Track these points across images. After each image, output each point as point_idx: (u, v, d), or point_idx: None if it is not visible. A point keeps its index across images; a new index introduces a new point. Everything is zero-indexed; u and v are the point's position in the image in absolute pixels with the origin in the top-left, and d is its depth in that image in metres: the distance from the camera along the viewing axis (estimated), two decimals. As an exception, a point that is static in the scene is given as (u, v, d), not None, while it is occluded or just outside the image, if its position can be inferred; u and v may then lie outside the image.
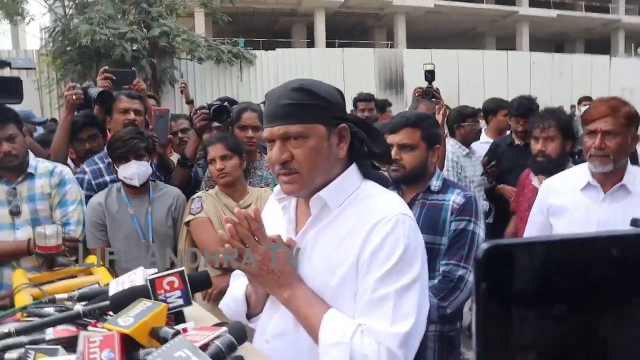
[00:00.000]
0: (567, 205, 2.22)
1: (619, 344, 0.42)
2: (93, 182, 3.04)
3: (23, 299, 1.83)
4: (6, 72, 3.01)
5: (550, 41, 27.21)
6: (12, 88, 2.77)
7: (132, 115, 3.18)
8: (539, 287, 0.41)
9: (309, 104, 1.32)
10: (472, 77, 17.93)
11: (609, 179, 2.11)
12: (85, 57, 11.93)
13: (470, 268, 2.09)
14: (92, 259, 2.56)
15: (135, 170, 2.73)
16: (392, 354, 1.24)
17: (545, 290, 0.41)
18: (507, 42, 24.24)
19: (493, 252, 0.41)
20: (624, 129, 2.02)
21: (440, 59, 17.17)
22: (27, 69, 3.47)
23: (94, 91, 3.30)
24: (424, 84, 5.06)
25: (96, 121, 3.43)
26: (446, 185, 2.28)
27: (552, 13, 24.68)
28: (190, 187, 3.18)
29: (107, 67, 3.70)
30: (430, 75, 5.06)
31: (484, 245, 0.41)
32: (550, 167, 2.78)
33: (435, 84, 5.10)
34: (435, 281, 2.14)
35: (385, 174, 2.26)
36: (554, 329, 0.41)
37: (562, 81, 18.85)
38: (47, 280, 2.16)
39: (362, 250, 1.32)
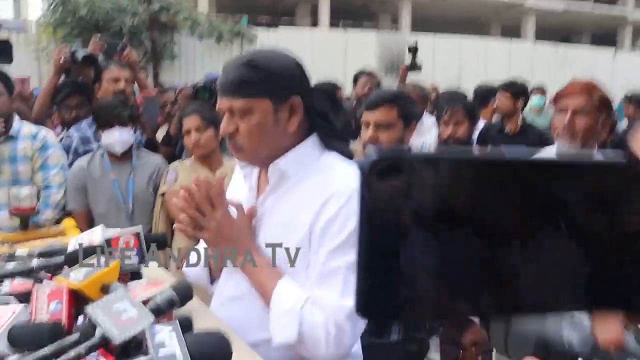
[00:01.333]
0: None
1: (523, 273, 0.38)
2: (80, 149, 3.06)
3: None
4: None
5: (557, 33, 27.00)
6: (2, 49, 2.80)
7: (122, 84, 3.21)
8: (435, 208, 0.36)
9: (255, 80, 1.31)
10: (474, 64, 17.82)
11: None
12: (85, 29, 11.81)
13: None
14: (69, 222, 2.58)
15: (117, 138, 2.75)
16: (340, 326, 1.25)
17: (444, 212, 0.36)
18: (512, 32, 24.04)
19: (379, 165, 0.36)
20: (595, 111, 1.99)
21: (443, 46, 17.07)
22: (17, 30, 3.50)
23: (80, 54, 3.32)
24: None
25: (84, 89, 3.44)
26: None
27: (559, 6, 24.45)
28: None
29: (99, 34, 3.72)
30: (412, 51, 5.04)
31: (370, 157, 0.36)
32: None
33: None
34: None
35: (360, 148, 2.27)
36: (450, 258, 0.37)
37: (565, 73, 18.74)
38: (21, 239, 2.18)
39: (316, 220, 1.31)
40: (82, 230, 2.43)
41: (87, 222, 2.78)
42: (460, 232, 0.36)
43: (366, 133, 2.21)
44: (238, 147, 1.36)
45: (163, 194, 2.73)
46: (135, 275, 1.40)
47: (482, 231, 0.37)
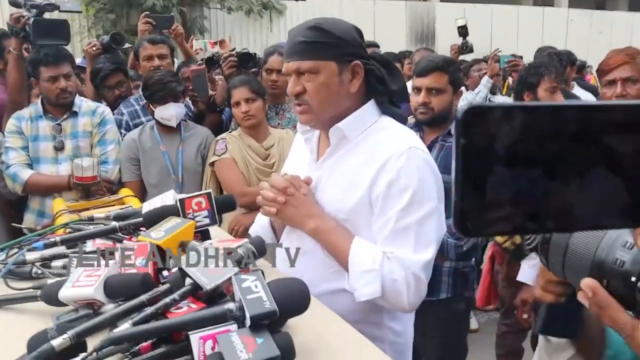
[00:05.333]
0: None
1: (579, 202, 0.47)
2: (131, 123, 3.19)
3: (63, 222, 1.98)
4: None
5: (592, -1, 26.19)
6: (60, 30, 2.94)
7: (156, 62, 3.32)
8: (512, 149, 0.45)
9: (322, 42, 1.41)
10: (506, 33, 17.48)
11: None
12: (117, 5, 11.98)
13: None
14: (125, 191, 2.71)
15: (173, 112, 2.86)
16: (418, 278, 1.38)
17: (518, 152, 0.45)
18: (545, -2, 23.43)
19: (471, 112, 0.44)
20: None
21: (474, 14, 16.74)
22: (74, 12, 3.64)
23: (106, 38, 3.50)
24: (456, 39, 5.02)
25: (121, 67, 3.55)
26: None
27: (594, -32, 23.70)
28: (222, 130, 3.30)
29: (147, 12, 3.84)
30: (463, 30, 5.00)
31: (464, 107, 0.45)
32: None
33: (468, 40, 5.05)
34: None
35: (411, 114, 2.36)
36: (524, 187, 0.46)
37: (600, 40, 18.24)
38: (84, 207, 2.32)
39: (376, 181, 1.41)
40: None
41: (140, 192, 2.92)
42: (531, 166, 0.46)
43: (417, 97, 2.30)
44: (304, 106, 1.45)
45: (212, 164, 2.84)
46: (205, 234, 1.51)
47: (548, 165, 0.46)
